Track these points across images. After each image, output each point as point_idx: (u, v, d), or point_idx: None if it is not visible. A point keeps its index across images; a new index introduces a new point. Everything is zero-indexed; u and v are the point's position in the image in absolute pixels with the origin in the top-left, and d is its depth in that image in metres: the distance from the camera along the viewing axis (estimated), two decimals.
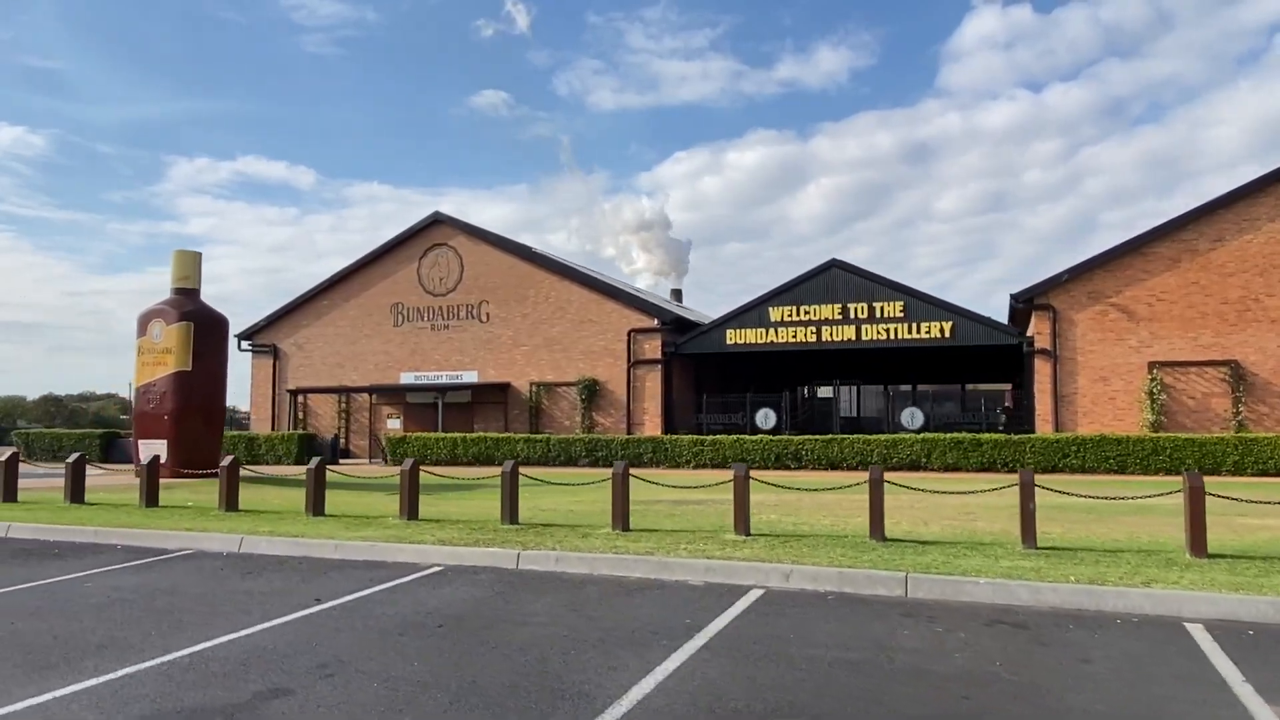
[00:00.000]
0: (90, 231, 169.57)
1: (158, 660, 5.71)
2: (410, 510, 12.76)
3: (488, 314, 33.96)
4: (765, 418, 30.56)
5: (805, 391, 49.09)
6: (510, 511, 11.77)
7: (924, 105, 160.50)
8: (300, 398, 36.08)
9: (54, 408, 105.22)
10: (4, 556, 10.27)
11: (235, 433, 33.49)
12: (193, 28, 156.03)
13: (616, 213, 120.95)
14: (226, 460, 15.33)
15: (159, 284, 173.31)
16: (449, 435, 29.01)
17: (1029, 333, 27.58)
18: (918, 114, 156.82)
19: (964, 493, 11.96)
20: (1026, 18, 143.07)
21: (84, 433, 34.88)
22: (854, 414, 47.53)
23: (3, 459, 16.04)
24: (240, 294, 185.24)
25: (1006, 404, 49.61)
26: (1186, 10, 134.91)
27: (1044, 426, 26.61)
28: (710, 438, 25.76)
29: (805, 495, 15.72)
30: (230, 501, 14.81)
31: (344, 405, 35.68)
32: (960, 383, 42.51)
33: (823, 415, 35.19)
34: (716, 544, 9.82)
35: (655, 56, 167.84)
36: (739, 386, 34.77)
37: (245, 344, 37.35)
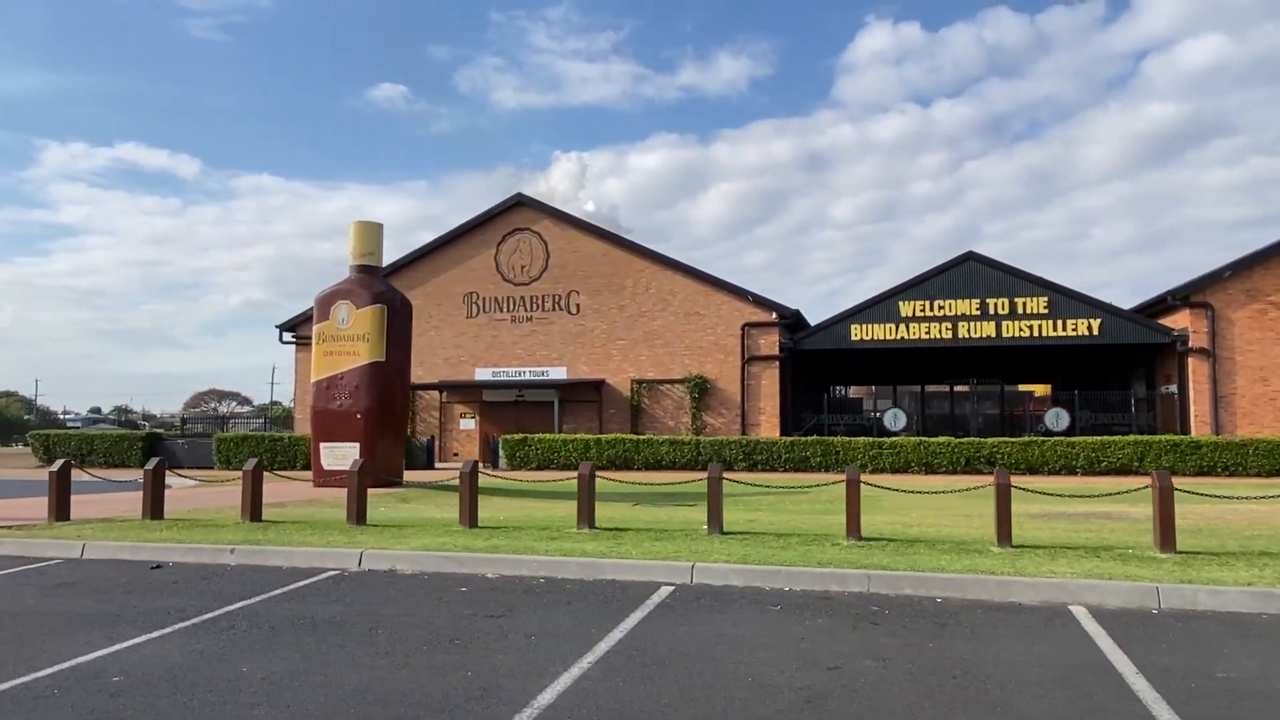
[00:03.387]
0: None
1: None
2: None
3: (577, 305, 31.32)
4: (895, 418, 28.97)
5: (836, 392, 47.82)
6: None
7: (819, 115, 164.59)
8: None
9: None
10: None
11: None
12: (67, 1, 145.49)
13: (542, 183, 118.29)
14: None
15: (28, 274, 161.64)
16: (579, 437, 26.37)
17: (1176, 331, 26.78)
18: (813, 124, 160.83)
19: None
20: (916, 35, 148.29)
21: (122, 434, 30.54)
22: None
23: (249, 469, 12.94)
24: (115, 287, 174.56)
25: (1031, 406, 49.31)
26: (1063, 34, 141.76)
27: (1201, 428, 25.81)
28: (888, 440, 23.96)
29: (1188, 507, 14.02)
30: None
31: (410, 404, 32.37)
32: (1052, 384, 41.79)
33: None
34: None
35: (558, 57, 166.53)
36: (842, 384, 33.09)
37: (288, 335, 33.64)
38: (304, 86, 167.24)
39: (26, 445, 30.69)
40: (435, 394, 32.37)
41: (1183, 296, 26.54)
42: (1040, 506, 14.34)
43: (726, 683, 5.13)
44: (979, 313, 28.05)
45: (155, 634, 6.36)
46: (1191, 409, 26.28)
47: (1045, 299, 27.69)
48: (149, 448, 29.04)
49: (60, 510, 11.92)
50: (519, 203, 32.26)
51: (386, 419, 17.31)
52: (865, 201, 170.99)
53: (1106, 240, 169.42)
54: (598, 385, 30.71)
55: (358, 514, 12.91)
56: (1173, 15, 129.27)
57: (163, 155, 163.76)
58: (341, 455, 16.93)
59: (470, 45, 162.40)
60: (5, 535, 10.75)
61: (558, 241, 31.72)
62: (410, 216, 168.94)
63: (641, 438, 25.95)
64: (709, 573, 8.25)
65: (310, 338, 32.84)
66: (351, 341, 17.11)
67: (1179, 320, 26.89)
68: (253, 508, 12.99)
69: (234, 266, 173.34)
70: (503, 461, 26.57)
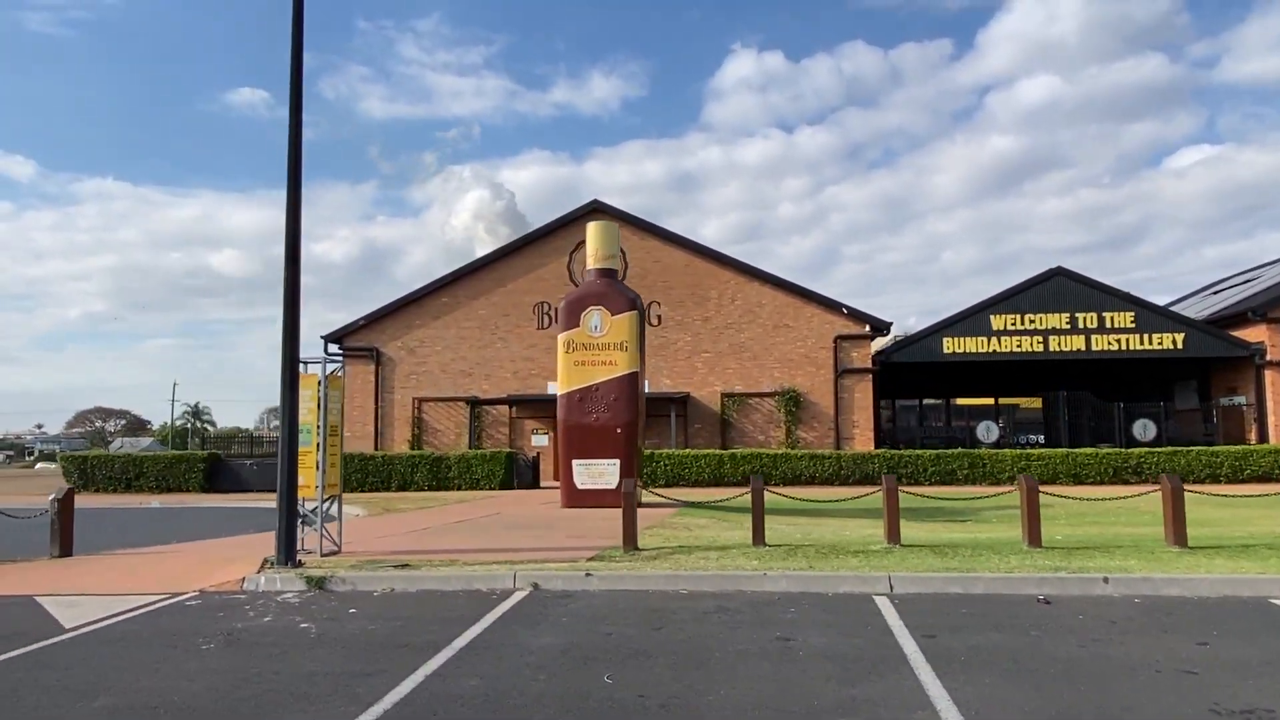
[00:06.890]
0: None
1: None
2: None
3: (659, 317, 30.38)
4: (987, 430, 29.35)
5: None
6: None
7: (689, 138, 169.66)
8: (417, 410, 30.59)
9: None
10: None
11: (413, 452, 27.75)
12: None
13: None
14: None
15: None
16: (710, 452, 25.45)
17: (1253, 344, 28.21)
18: (683, 145, 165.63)
19: None
20: (779, 64, 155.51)
21: (180, 454, 27.36)
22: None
23: None
24: None
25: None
26: (914, 69, 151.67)
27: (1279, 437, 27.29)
28: (1035, 451, 24.24)
29: None
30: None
31: (476, 419, 30.60)
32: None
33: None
34: None
35: (428, 69, 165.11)
36: (917, 398, 33.35)
37: (335, 348, 31.22)
38: (154, 88, 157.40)
39: (32, 462, 27.02)
40: (503, 409, 30.69)
41: (1261, 313, 28.03)
42: None
43: None
44: (1069, 326, 28.80)
45: None
46: (1270, 419, 27.73)
47: (1132, 314, 28.69)
48: (210, 470, 26.22)
49: (631, 539, 10.49)
50: (595, 209, 31.08)
51: (641, 434, 16.13)
52: (734, 221, 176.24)
53: (954, 263, 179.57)
54: (683, 399, 29.83)
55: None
56: (1012, 55, 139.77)
57: None
58: (598, 473, 15.68)
59: (336, 53, 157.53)
60: (611, 567, 9.51)
61: (637, 251, 30.71)
62: (271, 227, 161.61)
63: (779, 453, 25.30)
64: None
65: (366, 350, 30.75)
66: (607, 350, 15.86)
67: (1253, 334, 28.37)
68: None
69: (73, 276, 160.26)
70: None
